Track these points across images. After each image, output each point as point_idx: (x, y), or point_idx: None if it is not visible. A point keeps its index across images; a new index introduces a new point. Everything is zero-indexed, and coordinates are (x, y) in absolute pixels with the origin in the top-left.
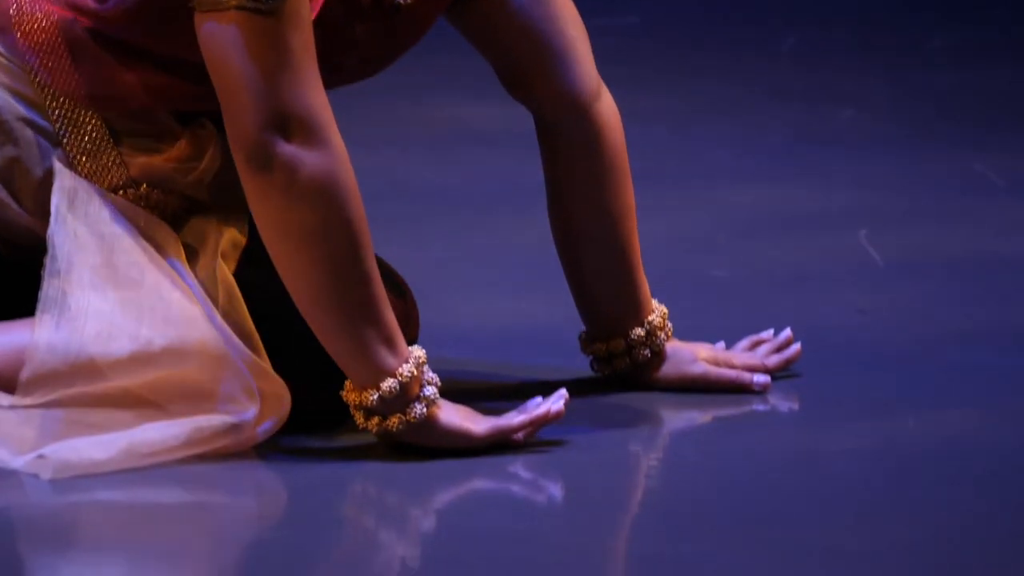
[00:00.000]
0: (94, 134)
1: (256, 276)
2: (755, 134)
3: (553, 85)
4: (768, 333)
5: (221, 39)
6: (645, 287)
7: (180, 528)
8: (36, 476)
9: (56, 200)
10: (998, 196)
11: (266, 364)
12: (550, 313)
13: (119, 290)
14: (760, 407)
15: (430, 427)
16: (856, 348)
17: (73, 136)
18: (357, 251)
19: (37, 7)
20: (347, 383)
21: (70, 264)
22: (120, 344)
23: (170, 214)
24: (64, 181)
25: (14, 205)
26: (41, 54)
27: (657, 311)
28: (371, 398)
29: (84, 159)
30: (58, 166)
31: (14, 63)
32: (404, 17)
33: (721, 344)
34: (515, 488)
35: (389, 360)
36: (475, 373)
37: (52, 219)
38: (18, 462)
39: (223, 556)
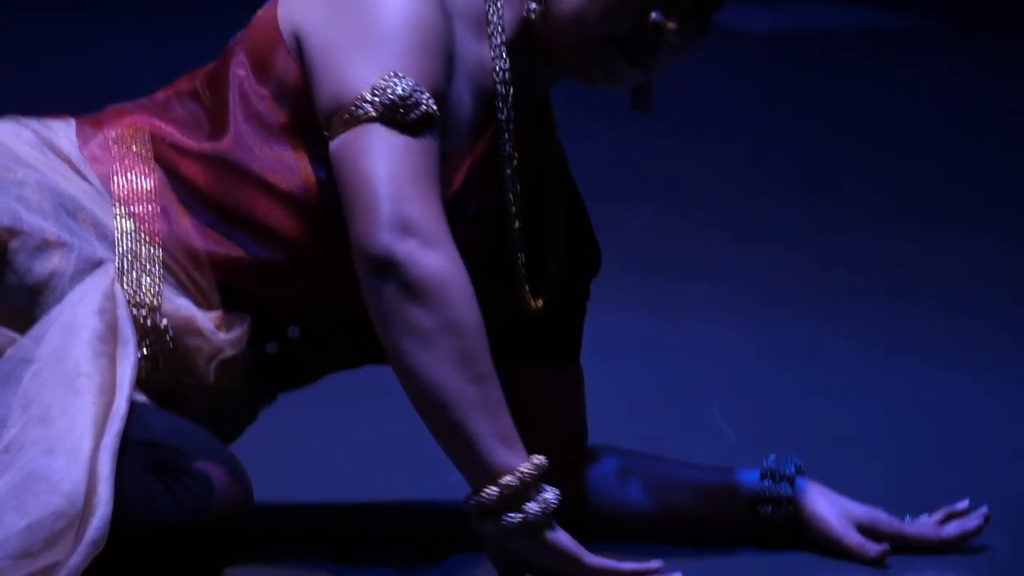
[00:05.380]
0: (148, 262)
1: None
2: (609, 309)
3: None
4: (963, 504)
5: (355, 148)
6: (722, 476)
7: None
8: None
9: (91, 308)
10: (849, 367)
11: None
12: None
13: (54, 379)
14: None
15: (543, 535)
16: None
17: (129, 245)
18: (474, 351)
19: (138, 161)
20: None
21: (43, 364)
22: None
23: (153, 387)
24: (117, 300)
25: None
26: (133, 204)
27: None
28: (491, 494)
29: (126, 274)
30: (119, 291)
31: (104, 196)
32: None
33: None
34: None
35: (509, 458)
36: None
37: (68, 308)
38: None
39: None
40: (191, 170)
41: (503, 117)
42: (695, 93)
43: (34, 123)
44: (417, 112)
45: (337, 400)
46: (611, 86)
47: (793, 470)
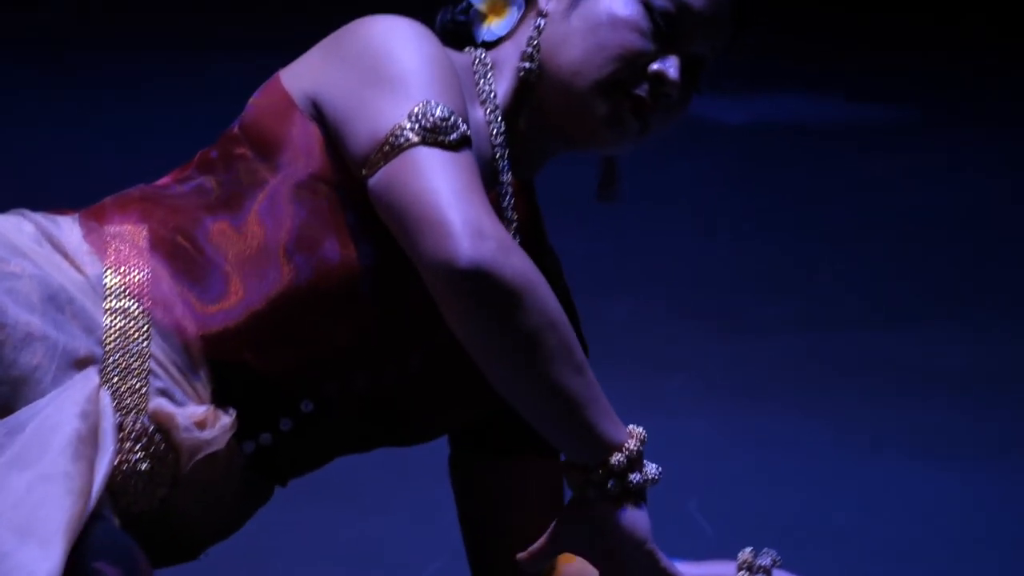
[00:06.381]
0: (136, 360)
1: None
2: None
3: None
4: None
5: (404, 174)
6: (698, 569)
7: None
8: None
9: (74, 410)
10: (827, 460)
11: None
12: None
13: (32, 470)
14: None
15: (632, 505)
16: None
17: (118, 342)
18: (572, 342)
19: (135, 255)
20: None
21: (21, 449)
22: None
23: (151, 492)
24: (102, 405)
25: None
26: (125, 298)
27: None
28: (599, 472)
29: (112, 375)
30: (104, 395)
31: (97, 289)
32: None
33: None
34: None
35: (616, 436)
36: None
37: (52, 405)
38: None
39: None
40: (192, 244)
41: (504, 179)
42: (671, 185)
43: (39, 217)
44: (457, 133)
45: (305, 494)
46: (613, 139)
47: (769, 562)
